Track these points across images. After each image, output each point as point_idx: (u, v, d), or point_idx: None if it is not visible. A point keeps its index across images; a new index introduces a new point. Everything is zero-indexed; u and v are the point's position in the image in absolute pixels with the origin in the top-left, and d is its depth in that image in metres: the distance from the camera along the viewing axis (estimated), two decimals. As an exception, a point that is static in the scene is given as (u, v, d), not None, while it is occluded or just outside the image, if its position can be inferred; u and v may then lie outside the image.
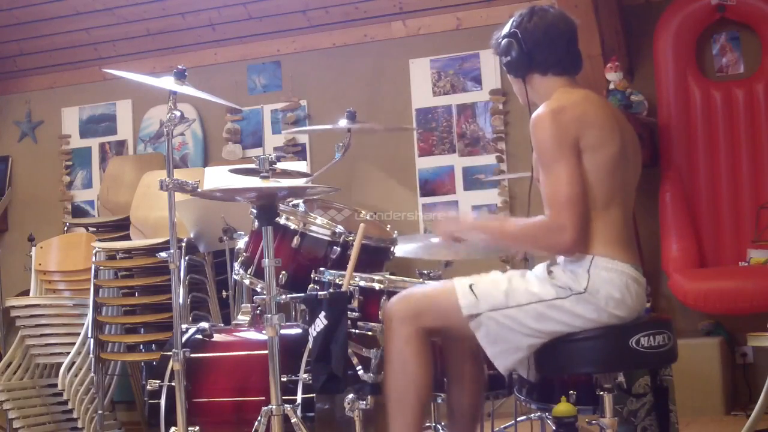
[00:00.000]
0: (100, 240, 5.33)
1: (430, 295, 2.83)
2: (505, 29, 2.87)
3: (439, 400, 3.34)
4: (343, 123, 3.64)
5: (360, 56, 6.01)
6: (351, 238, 3.19)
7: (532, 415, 3.89)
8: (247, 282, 3.37)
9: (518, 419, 3.84)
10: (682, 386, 3.78)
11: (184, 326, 3.37)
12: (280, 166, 3.14)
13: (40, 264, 5.42)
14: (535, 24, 2.81)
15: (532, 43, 2.80)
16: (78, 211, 6.55)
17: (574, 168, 2.62)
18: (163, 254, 3.19)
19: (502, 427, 3.95)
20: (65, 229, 6.09)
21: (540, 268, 2.75)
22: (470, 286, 2.74)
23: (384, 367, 2.84)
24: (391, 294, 2.98)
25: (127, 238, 5.35)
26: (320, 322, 2.88)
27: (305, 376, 3.10)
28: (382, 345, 3.01)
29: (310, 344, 2.97)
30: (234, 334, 3.57)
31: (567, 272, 2.68)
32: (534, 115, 2.71)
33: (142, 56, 6.35)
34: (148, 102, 6.34)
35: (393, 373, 2.78)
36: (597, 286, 2.63)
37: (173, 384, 3.14)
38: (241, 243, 3.52)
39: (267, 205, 2.95)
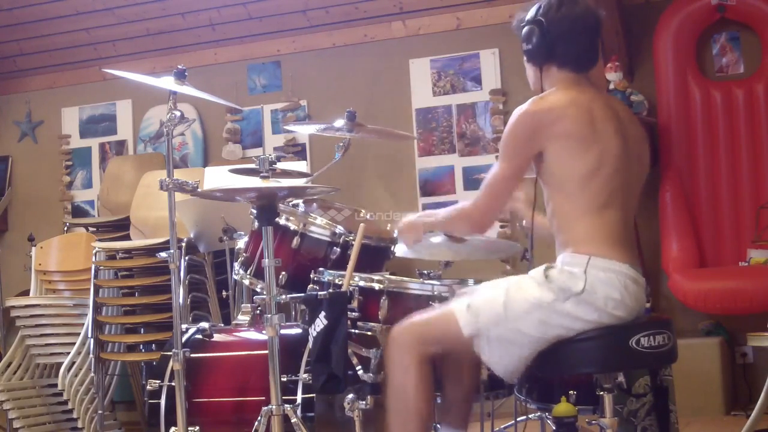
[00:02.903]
0: (100, 240, 5.33)
1: (430, 321, 2.81)
2: (530, 14, 2.78)
3: (438, 401, 3.34)
4: (342, 123, 3.63)
5: (360, 56, 6.01)
6: (351, 238, 3.19)
7: (532, 415, 3.88)
8: (247, 282, 3.37)
9: (518, 419, 3.83)
10: (682, 386, 3.78)
11: (184, 326, 3.37)
12: (280, 166, 3.14)
13: (40, 264, 5.42)
14: (563, 15, 2.73)
15: (556, 35, 2.73)
16: (78, 211, 6.55)
17: (515, 171, 2.74)
18: (163, 254, 3.18)
19: (502, 427, 3.94)
20: (65, 229, 6.10)
21: (537, 271, 2.74)
22: (467, 306, 2.73)
23: (386, 395, 2.82)
24: (391, 294, 2.98)
25: (127, 238, 5.35)
26: (320, 322, 2.88)
27: (305, 376, 3.10)
28: (382, 345, 3.01)
29: (310, 344, 2.97)
30: (234, 334, 3.57)
31: (564, 274, 2.67)
32: (519, 107, 2.72)
33: (142, 56, 6.35)
34: (148, 102, 6.34)
35: (394, 402, 2.77)
36: (595, 287, 2.63)
37: (173, 384, 3.14)
38: (241, 243, 3.52)
39: (267, 205, 2.95)
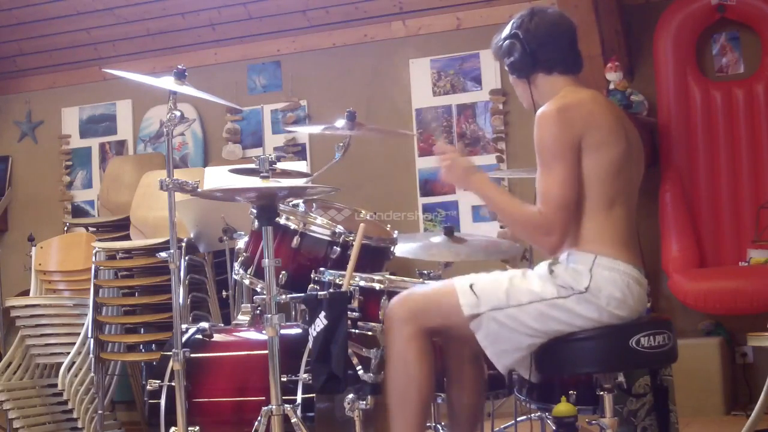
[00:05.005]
0: (100, 240, 5.33)
1: (430, 295, 2.83)
2: (506, 31, 2.86)
3: (439, 400, 3.34)
4: (342, 123, 3.63)
5: (360, 56, 6.01)
6: (351, 238, 3.19)
7: (532, 415, 3.88)
8: (247, 282, 3.36)
9: (518, 419, 3.84)
10: (682, 386, 3.78)
11: (184, 326, 3.37)
12: (280, 166, 3.14)
13: (40, 264, 5.42)
14: (537, 24, 2.80)
15: (535, 43, 2.79)
16: (78, 211, 6.55)
17: (571, 170, 2.62)
18: (163, 254, 3.18)
19: (502, 427, 3.95)
20: (65, 229, 6.10)
21: (542, 266, 2.75)
22: (471, 286, 2.74)
23: (385, 368, 2.84)
24: (391, 294, 2.98)
25: (127, 238, 5.35)
26: (320, 322, 2.88)
27: (305, 376, 3.10)
28: (382, 345, 3.01)
29: (310, 344, 2.97)
30: (234, 334, 3.57)
31: (569, 271, 2.67)
32: (540, 111, 2.70)
33: (142, 56, 6.35)
34: (148, 102, 6.35)
35: (394, 373, 2.78)
36: (599, 286, 2.63)
37: (173, 384, 3.14)
38: (241, 243, 3.52)
39: (267, 205, 2.95)
